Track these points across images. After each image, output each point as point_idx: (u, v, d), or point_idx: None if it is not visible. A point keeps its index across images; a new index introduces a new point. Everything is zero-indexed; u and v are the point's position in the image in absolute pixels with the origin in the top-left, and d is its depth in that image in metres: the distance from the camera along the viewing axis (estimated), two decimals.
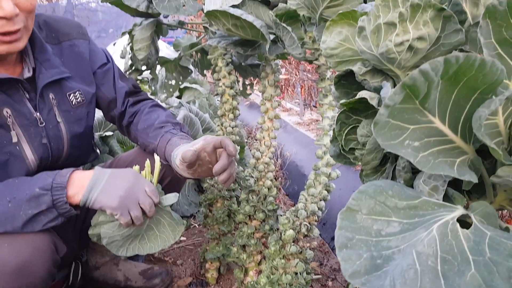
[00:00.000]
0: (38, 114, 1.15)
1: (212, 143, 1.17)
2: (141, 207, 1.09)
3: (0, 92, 1.08)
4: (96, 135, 2.32)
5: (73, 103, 1.24)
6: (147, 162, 1.15)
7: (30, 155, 1.13)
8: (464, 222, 0.47)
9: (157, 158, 1.16)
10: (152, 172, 1.16)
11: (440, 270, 0.40)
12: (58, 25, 1.25)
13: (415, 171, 0.60)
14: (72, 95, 1.24)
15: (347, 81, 0.73)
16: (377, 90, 0.65)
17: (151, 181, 1.14)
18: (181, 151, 1.15)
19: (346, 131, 0.74)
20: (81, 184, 1.07)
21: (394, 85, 0.65)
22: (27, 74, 1.14)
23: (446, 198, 0.52)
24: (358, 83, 0.71)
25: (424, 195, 0.51)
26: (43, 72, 1.16)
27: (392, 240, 0.47)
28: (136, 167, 1.15)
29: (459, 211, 0.48)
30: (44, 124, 1.16)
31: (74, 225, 1.39)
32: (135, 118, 1.41)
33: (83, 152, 1.36)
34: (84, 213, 1.43)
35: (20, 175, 1.11)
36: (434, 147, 0.49)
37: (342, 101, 0.67)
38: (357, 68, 0.66)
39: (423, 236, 0.44)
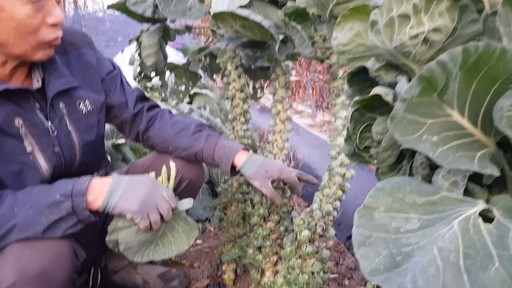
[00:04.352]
0: (49, 123, 1.16)
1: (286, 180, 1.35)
2: (159, 212, 1.10)
3: (11, 103, 1.09)
4: (109, 142, 2.34)
5: (84, 112, 1.24)
6: (164, 168, 1.17)
7: (43, 164, 1.14)
8: (485, 217, 0.46)
9: (172, 164, 1.17)
10: (168, 179, 1.17)
11: (463, 265, 0.39)
12: (64, 35, 1.26)
13: (433, 167, 0.58)
14: (82, 104, 1.24)
15: (360, 78, 0.72)
16: (392, 86, 0.64)
17: (167, 187, 1.15)
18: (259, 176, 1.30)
19: (360, 129, 0.73)
20: (100, 190, 1.09)
21: (409, 80, 0.64)
22: (37, 84, 1.15)
23: (467, 192, 0.51)
24: (372, 79, 0.70)
25: (444, 191, 0.50)
26: (52, 81, 1.17)
27: (411, 237, 0.46)
28: (153, 173, 1.17)
29: (481, 205, 0.46)
30: (56, 133, 1.17)
31: (93, 231, 1.40)
32: (156, 122, 1.41)
33: (95, 160, 1.37)
34: (102, 220, 1.45)
35: (35, 184, 1.12)
36: (453, 141, 0.48)
37: (356, 98, 0.66)
38: (370, 64, 0.65)
39: (443, 231, 0.43)
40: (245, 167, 1.31)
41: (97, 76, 1.32)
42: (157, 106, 1.48)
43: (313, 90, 4.93)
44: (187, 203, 1.16)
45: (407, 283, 0.39)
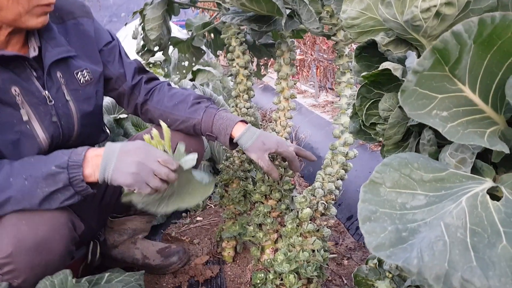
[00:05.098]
0: (46, 92, 1.14)
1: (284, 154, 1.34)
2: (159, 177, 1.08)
3: (7, 71, 1.07)
4: (111, 117, 2.33)
5: (81, 81, 1.23)
6: (154, 132, 1.11)
7: (41, 133, 1.13)
8: (493, 196, 0.45)
9: (163, 124, 1.13)
10: (163, 138, 1.13)
11: (470, 242, 0.39)
12: (61, 4, 1.24)
13: (440, 145, 0.58)
14: (79, 73, 1.23)
15: (368, 54, 0.71)
16: (401, 61, 0.62)
17: (164, 150, 1.12)
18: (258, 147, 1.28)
19: (367, 106, 0.72)
20: (95, 163, 1.07)
21: (419, 56, 0.62)
22: (33, 53, 1.13)
23: (474, 170, 0.50)
24: (380, 55, 0.69)
25: (451, 168, 0.49)
26: (49, 50, 1.15)
27: (418, 213, 0.45)
28: (147, 136, 1.13)
29: (489, 183, 0.46)
30: (53, 102, 1.16)
31: (92, 203, 1.40)
32: (155, 95, 1.39)
33: (93, 132, 1.36)
34: (101, 192, 1.45)
35: (33, 154, 1.11)
36: (463, 117, 0.47)
37: (364, 73, 0.65)
38: (380, 38, 0.64)
39: (451, 208, 0.42)
40: (242, 139, 1.30)
41: (95, 46, 1.30)
42: (156, 78, 1.46)
43: (317, 70, 4.89)
44: (190, 160, 1.12)
45: (413, 258, 0.38)
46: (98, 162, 1.07)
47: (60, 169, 1.02)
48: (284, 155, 1.33)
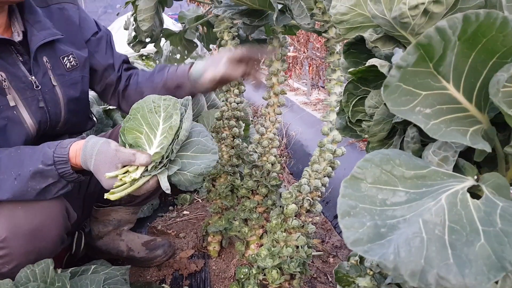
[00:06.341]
0: (33, 77, 1.13)
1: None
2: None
3: None
4: (100, 108, 2.31)
5: (67, 66, 1.22)
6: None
7: (28, 119, 1.12)
8: (473, 194, 0.45)
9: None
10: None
11: (448, 239, 0.38)
12: None
13: (424, 143, 0.57)
14: (65, 58, 1.22)
15: (356, 50, 0.70)
16: (388, 58, 0.62)
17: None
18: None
19: (353, 102, 0.71)
20: (78, 160, 1.05)
21: None
22: (17, 38, 1.12)
23: (456, 169, 0.50)
24: (368, 52, 0.69)
25: (434, 166, 0.49)
26: (35, 34, 1.13)
27: (398, 209, 0.45)
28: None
29: (470, 181, 0.46)
30: (40, 87, 1.15)
31: (78, 192, 1.39)
32: (132, 79, 1.40)
33: (80, 119, 1.35)
34: (86, 183, 1.44)
35: (20, 140, 1.10)
36: (446, 115, 0.46)
37: (351, 69, 0.64)
38: (368, 34, 0.63)
39: (430, 205, 0.42)
40: (194, 68, 1.29)
41: (79, 32, 1.29)
42: (134, 68, 1.47)
43: (309, 68, 4.89)
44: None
45: (390, 254, 0.38)
46: (79, 158, 1.05)
47: (47, 166, 1.02)
48: (241, 54, 1.27)
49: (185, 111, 1.07)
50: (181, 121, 1.05)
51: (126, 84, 1.39)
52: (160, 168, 1.04)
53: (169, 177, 1.05)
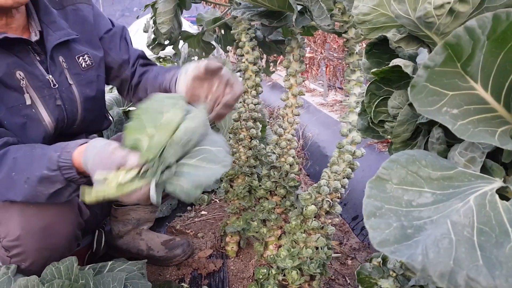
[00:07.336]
0: (50, 76, 1.16)
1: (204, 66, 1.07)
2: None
3: (12, 55, 1.08)
4: (120, 109, 2.34)
5: (83, 65, 1.24)
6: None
7: (46, 117, 1.14)
8: (502, 196, 0.44)
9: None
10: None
11: (477, 241, 0.38)
12: None
13: (449, 144, 0.57)
14: (81, 58, 1.24)
15: (379, 50, 0.70)
16: (412, 58, 0.62)
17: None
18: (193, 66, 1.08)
19: (376, 103, 0.71)
20: (81, 163, 0.99)
21: (430, 53, 0.61)
22: (35, 37, 1.15)
23: (484, 170, 0.49)
24: (391, 52, 0.68)
25: (460, 167, 0.48)
26: (50, 34, 1.16)
27: (424, 210, 0.45)
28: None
29: (498, 183, 0.45)
30: (57, 86, 1.17)
31: None
32: (144, 75, 1.37)
33: (96, 117, 1.37)
34: None
35: (39, 137, 1.13)
36: (474, 115, 0.46)
37: (374, 70, 0.64)
38: (391, 34, 0.63)
39: (458, 206, 0.42)
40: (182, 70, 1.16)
41: (95, 32, 1.31)
42: (152, 64, 1.44)
43: (326, 68, 4.86)
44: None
45: (418, 255, 0.38)
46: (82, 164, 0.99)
47: (52, 172, 0.98)
48: (211, 65, 1.08)
49: (192, 112, 0.94)
50: (184, 120, 0.92)
51: (139, 80, 1.39)
52: (153, 175, 0.90)
53: (165, 186, 0.92)
